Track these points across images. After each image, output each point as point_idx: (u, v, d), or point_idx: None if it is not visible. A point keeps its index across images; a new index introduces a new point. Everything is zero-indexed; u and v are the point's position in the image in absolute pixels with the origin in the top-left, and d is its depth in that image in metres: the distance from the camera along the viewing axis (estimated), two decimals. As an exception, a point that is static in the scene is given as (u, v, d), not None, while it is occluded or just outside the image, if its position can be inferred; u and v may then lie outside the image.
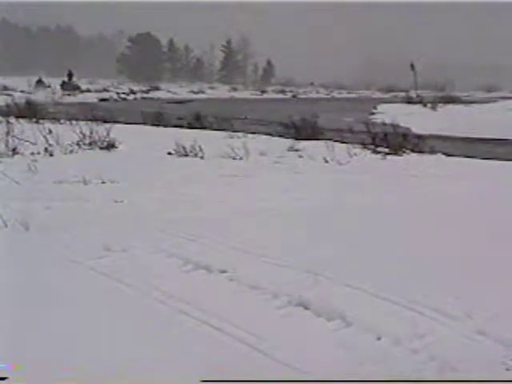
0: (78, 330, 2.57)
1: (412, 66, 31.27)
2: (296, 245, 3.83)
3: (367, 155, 8.70)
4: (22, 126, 9.67)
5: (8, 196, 5.09)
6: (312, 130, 10.54)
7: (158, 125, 12.93)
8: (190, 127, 12.42)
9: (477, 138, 11.91)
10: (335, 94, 51.95)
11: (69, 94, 30.09)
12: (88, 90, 36.54)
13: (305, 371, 2.22)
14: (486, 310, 2.71)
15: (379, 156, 8.60)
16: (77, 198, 5.29)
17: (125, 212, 4.87)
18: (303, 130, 10.57)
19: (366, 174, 7.00)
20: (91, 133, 8.77)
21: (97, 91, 36.73)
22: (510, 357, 2.33)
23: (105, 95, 32.77)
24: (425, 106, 23.28)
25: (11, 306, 2.84)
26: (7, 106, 13.13)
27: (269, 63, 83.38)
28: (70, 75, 38.14)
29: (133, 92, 38.18)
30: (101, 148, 8.60)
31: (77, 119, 11.17)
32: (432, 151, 8.81)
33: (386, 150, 8.93)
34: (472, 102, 28.03)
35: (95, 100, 27.05)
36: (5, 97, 18.60)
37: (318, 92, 55.83)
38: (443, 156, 8.62)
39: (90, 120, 10.47)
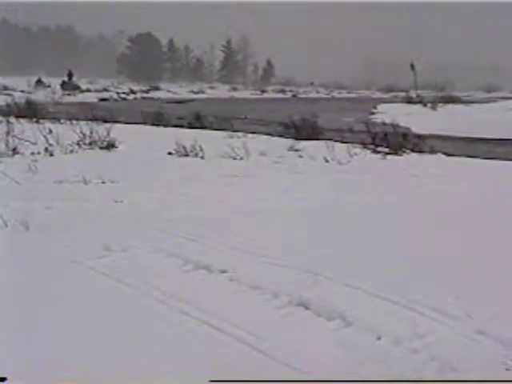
0: (78, 329, 2.57)
1: (412, 66, 31.27)
2: (296, 245, 3.83)
3: (367, 155, 8.70)
4: (22, 126, 9.68)
5: (8, 196, 5.09)
6: (312, 130, 10.54)
7: (158, 125, 12.93)
8: (190, 127, 12.42)
9: (477, 138, 11.92)
10: (335, 94, 51.95)
11: (69, 94, 30.10)
12: (88, 90, 36.54)
13: (305, 371, 2.22)
14: (486, 310, 2.71)
15: (379, 156, 8.61)
16: (77, 197, 5.29)
17: (125, 212, 4.87)
18: (303, 130, 10.57)
19: (366, 174, 7.00)
20: (91, 133, 8.77)
21: (97, 91, 36.74)
22: (510, 357, 2.33)
23: (105, 95, 32.77)
24: (425, 105, 23.28)
25: (11, 305, 2.84)
26: (7, 105, 13.13)
27: (269, 63, 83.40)
28: (70, 75, 38.15)
29: (133, 92, 38.17)
30: (101, 148, 8.61)
31: (77, 119, 11.18)
32: (432, 151, 8.82)
33: (386, 149, 8.94)
34: (472, 102, 28.04)
35: (95, 100, 27.05)
36: (5, 97, 18.61)
37: (317, 92, 55.83)
38: (443, 156, 8.62)
39: (90, 120, 10.48)
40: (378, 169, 7.46)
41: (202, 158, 8.05)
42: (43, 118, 12.22)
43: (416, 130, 11.33)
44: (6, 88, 30.51)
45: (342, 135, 9.96)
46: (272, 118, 15.05)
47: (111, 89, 41.01)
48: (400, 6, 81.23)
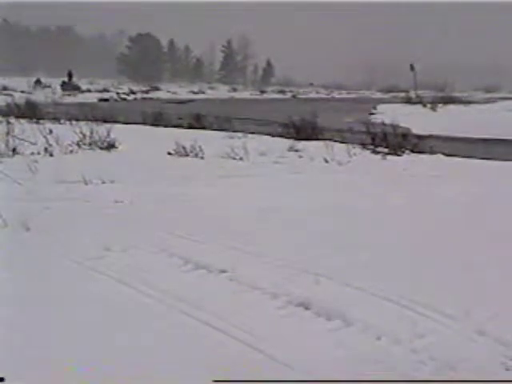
0: (78, 329, 2.57)
1: (412, 67, 31.25)
2: (296, 245, 3.83)
3: (367, 155, 8.69)
4: (22, 126, 9.67)
5: (8, 196, 5.09)
6: (312, 130, 10.53)
7: (158, 125, 12.92)
8: (190, 127, 12.41)
9: (476, 138, 11.91)
10: (335, 95, 51.96)
11: (69, 94, 30.08)
12: (88, 90, 36.56)
13: (305, 371, 2.22)
14: (486, 310, 2.71)
15: (379, 156, 8.60)
16: (77, 197, 5.29)
17: (125, 212, 4.87)
18: (303, 130, 10.56)
19: (366, 174, 7.00)
20: (91, 133, 8.77)
21: (97, 91, 36.76)
22: (510, 357, 2.33)
23: (105, 95, 32.77)
24: (424, 106, 23.27)
25: (11, 305, 2.83)
26: (7, 105, 13.13)
27: (269, 63, 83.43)
28: (70, 75, 38.14)
29: (133, 92, 38.18)
30: (101, 148, 8.60)
31: (77, 119, 11.18)
32: (432, 151, 8.81)
33: (386, 150, 8.93)
34: (471, 103, 28.02)
35: (95, 100, 27.03)
36: (5, 97, 18.61)
37: (317, 92, 55.87)
38: (443, 156, 8.62)
39: (90, 120, 10.47)
40: (377, 169, 7.46)
41: (202, 158, 8.06)
42: (43, 119, 12.22)
43: (416, 130, 11.32)
44: (5, 88, 30.51)
45: (342, 135, 9.94)
46: (272, 118, 15.04)
47: (111, 89, 41.01)
48: (400, 6, 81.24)
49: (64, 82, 36.96)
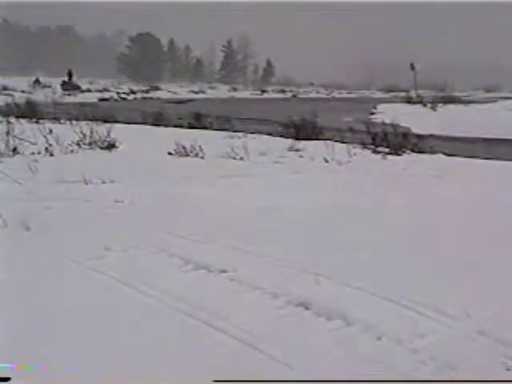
0: (78, 330, 2.57)
1: (412, 66, 31.25)
2: (296, 245, 3.83)
3: (367, 155, 8.69)
4: (23, 126, 9.67)
5: (8, 196, 5.09)
6: (312, 130, 10.54)
7: (158, 125, 12.92)
8: (191, 127, 12.42)
9: (477, 138, 11.92)
10: (335, 94, 51.95)
11: (69, 94, 30.08)
12: (88, 90, 36.56)
13: (305, 371, 2.22)
14: (486, 310, 2.71)
15: (379, 156, 8.60)
16: (77, 197, 5.29)
17: (125, 212, 4.87)
18: (303, 130, 10.56)
19: (366, 174, 7.00)
20: (91, 133, 8.77)
21: (97, 91, 36.76)
22: (510, 357, 2.33)
23: (105, 95, 32.80)
24: (425, 106, 23.27)
25: (11, 306, 2.84)
26: (7, 105, 13.12)
27: (269, 63, 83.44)
28: (70, 75, 38.12)
29: (133, 92, 38.19)
30: (101, 148, 8.60)
31: (77, 119, 11.18)
32: (432, 151, 8.81)
33: (386, 149, 8.93)
34: (472, 102, 28.03)
35: (95, 100, 27.04)
36: (5, 97, 18.61)
37: (318, 92, 55.86)
38: (443, 156, 8.62)
39: (90, 120, 10.47)
40: (378, 169, 7.46)
41: (202, 158, 8.06)
42: (43, 118, 12.22)
43: (416, 130, 11.32)
44: (5, 88, 30.50)
45: (342, 135, 9.94)
46: (272, 117, 15.04)
47: (111, 89, 41.01)
48: (400, 6, 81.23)
49: (64, 82, 36.95)
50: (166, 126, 12.76)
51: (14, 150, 7.83)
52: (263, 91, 51.16)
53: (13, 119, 10.87)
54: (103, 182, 6.08)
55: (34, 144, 8.27)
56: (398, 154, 8.73)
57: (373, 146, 9.16)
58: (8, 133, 8.28)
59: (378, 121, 13.39)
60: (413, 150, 8.95)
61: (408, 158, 8.54)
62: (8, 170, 6.14)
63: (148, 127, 12.73)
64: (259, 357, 2.32)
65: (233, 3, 76.40)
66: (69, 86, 35.38)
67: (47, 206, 4.90)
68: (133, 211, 4.90)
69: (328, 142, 8.97)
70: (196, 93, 43.96)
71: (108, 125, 9.27)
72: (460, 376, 2.21)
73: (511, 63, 77.12)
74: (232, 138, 10.48)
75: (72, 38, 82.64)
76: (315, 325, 2.64)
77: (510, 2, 59.19)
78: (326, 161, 7.91)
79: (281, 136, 10.72)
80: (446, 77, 45.36)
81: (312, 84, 66.91)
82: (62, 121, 11.90)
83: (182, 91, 44.40)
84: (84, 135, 8.77)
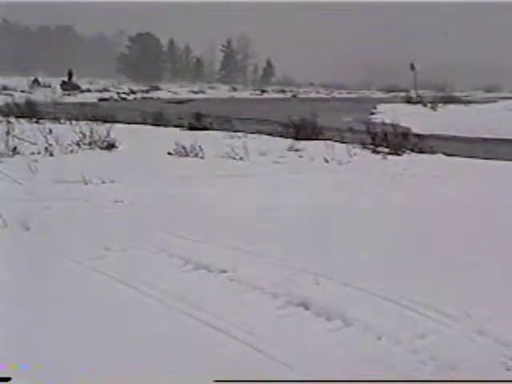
0: (78, 330, 2.57)
1: (412, 66, 31.22)
2: (296, 245, 3.83)
3: (367, 155, 8.69)
4: (22, 126, 9.68)
5: (8, 196, 5.09)
6: (312, 130, 10.53)
7: (158, 125, 12.91)
8: (190, 127, 12.40)
9: (477, 138, 11.91)
10: (335, 94, 51.92)
11: (69, 94, 30.05)
12: (88, 90, 36.50)
13: (305, 371, 2.22)
14: (486, 310, 2.71)
15: (379, 156, 8.60)
16: (77, 197, 5.29)
17: (125, 212, 4.87)
18: (303, 130, 10.55)
19: (366, 174, 7.00)
20: (91, 133, 8.77)
21: (97, 91, 36.71)
22: (510, 357, 2.33)
23: (105, 95, 32.73)
24: (425, 105, 23.25)
25: (11, 306, 2.83)
26: (7, 105, 13.12)
27: (269, 63, 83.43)
28: (70, 75, 38.08)
29: (133, 92, 38.13)
30: (101, 148, 8.60)
31: (77, 119, 11.18)
32: (432, 151, 8.81)
33: (386, 149, 8.92)
34: (472, 102, 28.01)
35: (95, 100, 27.01)
36: (5, 97, 18.60)
37: (318, 92, 55.82)
38: (443, 156, 8.62)
39: (90, 120, 10.47)
40: (377, 169, 7.45)
41: (202, 158, 8.05)
42: (43, 118, 12.22)
43: (416, 130, 11.30)
44: (5, 88, 30.48)
45: (342, 135, 9.94)
46: (272, 117, 15.04)
47: (111, 89, 40.98)
48: (400, 6, 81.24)
49: (64, 82, 36.90)
50: (166, 125, 12.75)
51: (14, 149, 7.83)
52: (263, 91, 51.11)
53: (13, 119, 10.88)
54: (103, 182, 6.08)
55: (34, 144, 8.27)
56: (398, 154, 8.73)
57: (373, 146, 9.15)
58: (8, 133, 8.29)
59: (378, 121, 13.39)
60: (413, 150, 8.94)
61: (408, 157, 8.54)
62: (8, 169, 6.14)
63: (148, 127, 12.72)
64: (259, 357, 2.32)
65: (233, 3, 76.44)
66: (69, 86, 35.33)
67: (47, 206, 4.90)
68: (133, 211, 4.90)
69: (328, 142, 8.97)
70: (196, 93, 43.92)
71: (108, 125, 9.27)
72: (460, 376, 2.21)
73: (511, 63, 77.13)
74: (232, 138, 10.47)
75: (72, 37, 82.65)
76: (315, 325, 2.64)
77: (510, 1, 59.18)
78: (326, 161, 7.91)
79: (281, 136, 10.71)
80: (446, 77, 45.37)
81: (312, 84, 66.88)
82: (61, 121, 11.88)
83: (182, 91, 44.35)
84: (84, 135, 8.77)
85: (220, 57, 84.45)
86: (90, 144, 8.68)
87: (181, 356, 2.34)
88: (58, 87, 34.40)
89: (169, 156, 8.16)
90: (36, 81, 38.07)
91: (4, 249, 3.72)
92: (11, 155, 7.67)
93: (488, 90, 57.69)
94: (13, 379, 2.10)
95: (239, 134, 11.04)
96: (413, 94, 29.47)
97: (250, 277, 3.17)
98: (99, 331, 2.55)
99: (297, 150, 8.87)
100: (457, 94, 34.90)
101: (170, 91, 42.89)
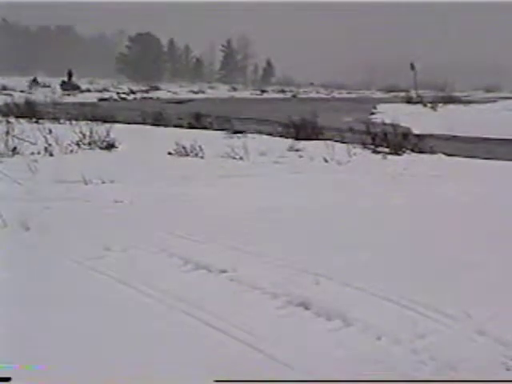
0: (78, 330, 2.57)
1: (412, 66, 31.21)
2: (296, 245, 3.83)
3: (367, 155, 8.69)
4: (22, 126, 9.67)
5: (8, 196, 5.09)
6: (312, 130, 10.53)
7: (158, 125, 12.91)
8: (190, 127, 12.40)
9: (477, 138, 11.91)
10: (335, 94, 51.91)
11: (68, 94, 30.03)
12: (88, 90, 36.50)
13: (305, 371, 2.22)
14: (486, 310, 2.71)
15: (379, 156, 8.60)
16: (76, 198, 5.29)
17: (125, 212, 4.87)
18: (303, 130, 10.55)
19: (366, 174, 7.00)
20: (91, 133, 8.77)
21: (97, 91, 36.70)
22: (510, 357, 2.33)
23: (105, 95, 32.73)
24: (425, 105, 23.25)
25: (11, 306, 2.83)
26: (6, 105, 13.12)
27: (269, 63, 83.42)
28: (70, 75, 38.06)
29: (132, 92, 38.12)
30: (101, 148, 8.60)
31: (76, 119, 11.18)
32: (432, 151, 8.81)
33: (386, 149, 8.92)
34: (472, 102, 28.01)
35: (95, 100, 26.99)
36: (4, 97, 18.60)
37: (318, 92, 55.82)
38: (443, 156, 8.62)
39: (90, 120, 10.47)
40: (377, 169, 7.45)
41: (202, 157, 8.05)
42: (43, 118, 12.21)
43: (416, 130, 11.31)
44: (5, 88, 30.47)
45: (342, 135, 9.94)
46: (272, 117, 15.04)
47: (111, 89, 40.97)
48: (400, 6, 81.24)
49: (64, 82, 36.88)
50: (166, 125, 12.74)
51: (14, 149, 7.82)
52: (263, 91, 51.11)
53: (12, 119, 10.87)
54: (103, 182, 6.08)
55: (34, 144, 8.26)
56: (398, 154, 8.73)
57: (373, 146, 9.16)
58: (7, 133, 8.28)
59: (378, 121, 13.40)
60: (413, 150, 8.94)
61: (408, 157, 8.54)
62: (8, 170, 6.14)
63: (148, 127, 12.71)
64: (259, 357, 2.32)
65: (233, 3, 76.42)
66: (68, 86, 35.31)
67: (47, 206, 4.90)
68: (133, 211, 4.90)
69: (328, 142, 8.96)
70: (196, 93, 43.91)
71: (107, 125, 9.26)
72: (460, 376, 2.21)
73: (511, 63, 77.13)
74: (232, 137, 10.48)
75: (72, 37, 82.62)
76: (315, 325, 2.64)
77: (510, 2, 59.18)
78: (326, 161, 7.91)
79: (281, 136, 10.71)
80: (446, 77, 45.31)
81: (312, 84, 66.87)
82: (61, 121, 11.88)
83: (182, 91, 44.35)
84: (83, 135, 8.77)
85: (220, 57, 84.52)
86: (89, 144, 8.67)
87: (181, 356, 2.34)
88: (58, 87, 34.37)
89: (169, 156, 8.16)
90: (35, 80, 38.04)
91: (4, 249, 3.72)
92: (11, 155, 7.66)
93: (488, 90, 57.68)
94: (13, 379, 2.10)
95: (239, 133, 11.04)
96: (413, 93, 29.47)
97: (250, 277, 3.17)
98: (99, 331, 2.55)
99: (297, 150, 8.86)
100: (457, 93, 34.88)
101: (169, 91, 42.88)
